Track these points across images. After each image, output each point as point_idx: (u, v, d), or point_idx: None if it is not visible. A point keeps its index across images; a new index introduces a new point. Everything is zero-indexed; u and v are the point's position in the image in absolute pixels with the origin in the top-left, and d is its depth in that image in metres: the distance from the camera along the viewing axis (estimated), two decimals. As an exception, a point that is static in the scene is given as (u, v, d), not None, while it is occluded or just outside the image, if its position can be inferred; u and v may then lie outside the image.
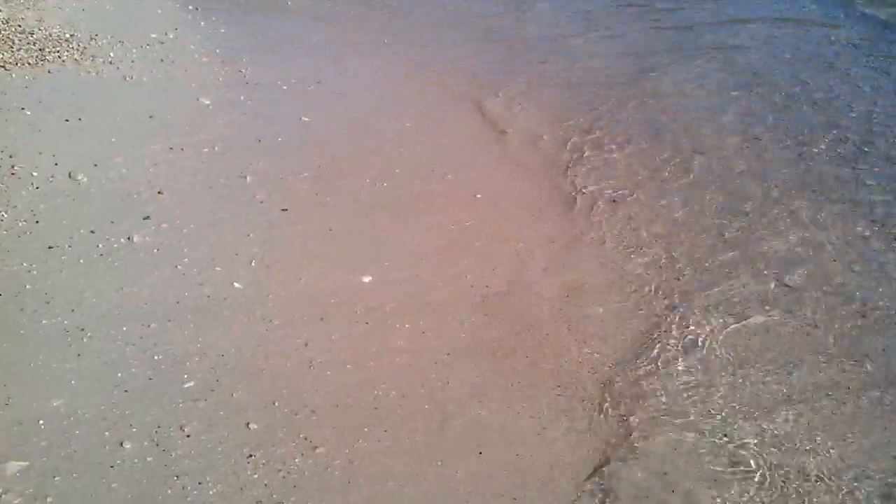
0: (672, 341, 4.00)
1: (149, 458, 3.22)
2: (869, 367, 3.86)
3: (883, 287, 4.37)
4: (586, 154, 5.86)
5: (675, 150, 5.88)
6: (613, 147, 5.96)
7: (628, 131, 6.19)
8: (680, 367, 3.84)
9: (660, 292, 4.35)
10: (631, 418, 3.56)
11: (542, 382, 3.75)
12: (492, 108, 6.59)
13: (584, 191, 5.36)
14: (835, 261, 4.58)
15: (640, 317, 4.18)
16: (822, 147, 5.81)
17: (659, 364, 3.86)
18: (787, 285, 4.39)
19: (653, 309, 4.24)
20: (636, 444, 3.42)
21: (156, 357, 3.71)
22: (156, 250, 4.42)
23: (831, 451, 3.39)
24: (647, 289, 4.38)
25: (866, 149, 5.75)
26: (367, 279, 4.38)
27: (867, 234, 4.82)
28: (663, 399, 3.66)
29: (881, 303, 4.25)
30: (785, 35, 7.98)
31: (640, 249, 4.72)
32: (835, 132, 6.00)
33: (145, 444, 3.28)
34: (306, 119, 6.14)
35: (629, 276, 4.50)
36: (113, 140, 5.46)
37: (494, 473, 3.28)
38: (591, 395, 3.68)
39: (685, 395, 3.69)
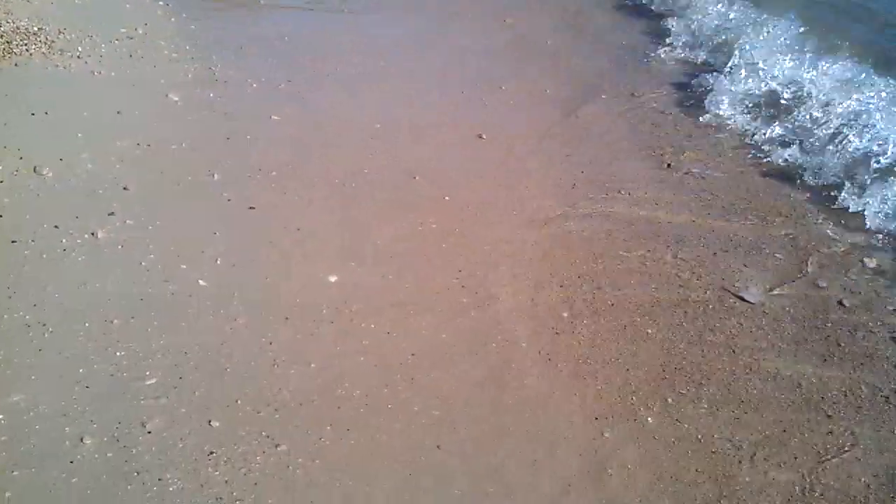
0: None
1: (109, 454, 3.21)
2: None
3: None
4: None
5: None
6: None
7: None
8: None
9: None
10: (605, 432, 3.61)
11: (507, 383, 3.79)
12: (467, 112, 6.63)
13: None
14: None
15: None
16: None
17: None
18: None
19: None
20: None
21: (118, 353, 3.70)
22: (120, 246, 4.40)
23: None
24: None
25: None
26: (333, 279, 4.40)
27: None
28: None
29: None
30: None
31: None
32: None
33: (105, 439, 3.27)
34: (276, 118, 6.13)
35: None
36: (79, 135, 5.42)
37: (456, 470, 3.31)
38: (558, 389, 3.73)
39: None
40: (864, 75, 6.60)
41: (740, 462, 3.43)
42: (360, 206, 5.08)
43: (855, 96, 6.18)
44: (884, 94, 6.17)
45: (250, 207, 4.92)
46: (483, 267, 4.61)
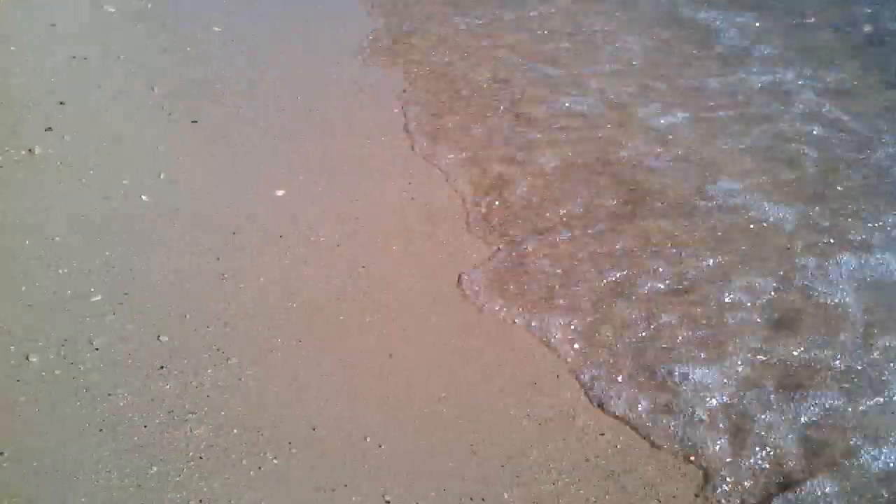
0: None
1: (57, 372, 3.17)
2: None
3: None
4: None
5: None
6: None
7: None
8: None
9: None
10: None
11: (458, 296, 3.81)
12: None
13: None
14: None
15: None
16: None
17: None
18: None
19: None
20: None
21: (61, 271, 3.63)
22: (59, 163, 4.28)
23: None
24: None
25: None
26: (280, 192, 4.34)
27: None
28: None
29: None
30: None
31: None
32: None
33: (52, 357, 3.23)
34: (217, 29, 5.95)
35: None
36: (13, 49, 5.22)
37: (402, 372, 3.34)
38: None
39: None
40: None
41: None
42: (307, 118, 4.98)
43: None
44: None
45: (193, 121, 4.81)
46: (425, 175, 4.58)
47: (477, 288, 3.82)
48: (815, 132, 4.95)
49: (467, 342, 3.53)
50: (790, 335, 3.47)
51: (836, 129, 5.00)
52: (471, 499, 2.84)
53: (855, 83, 5.57)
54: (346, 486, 2.85)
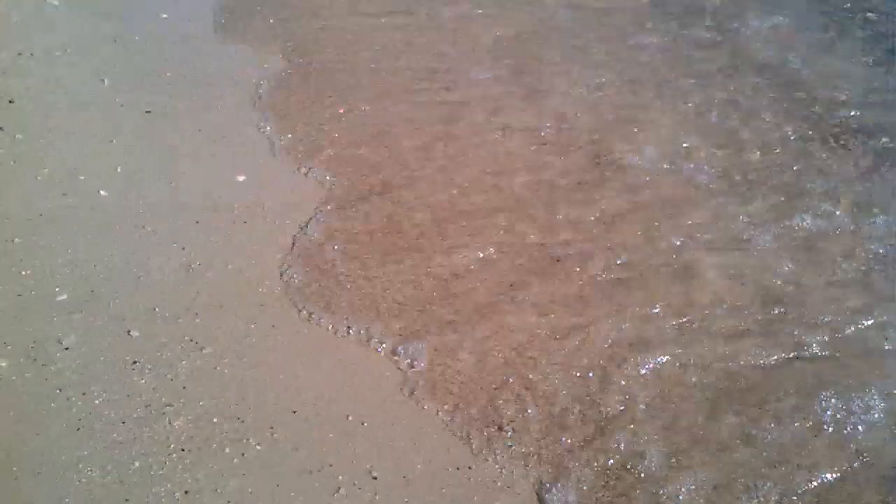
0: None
1: (27, 375, 3.11)
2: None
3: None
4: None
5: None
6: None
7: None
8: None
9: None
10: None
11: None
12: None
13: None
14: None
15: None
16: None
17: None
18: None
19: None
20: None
21: (23, 272, 3.56)
22: (12, 162, 4.18)
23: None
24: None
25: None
26: (241, 178, 4.28)
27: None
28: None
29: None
30: None
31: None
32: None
33: (22, 360, 3.17)
34: (165, 16, 5.83)
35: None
36: (-47, 49, 5.07)
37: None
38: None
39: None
40: None
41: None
42: (262, 104, 4.91)
43: None
44: None
45: (147, 111, 4.71)
46: (391, 161, 4.55)
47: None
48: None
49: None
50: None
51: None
52: (457, 468, 2.86)
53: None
54: (331, 465, 2.85)
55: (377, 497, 2.75)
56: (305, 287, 3.64)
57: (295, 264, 3.75)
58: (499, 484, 2.82)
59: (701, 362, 3.31)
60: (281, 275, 3.69)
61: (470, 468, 2.86)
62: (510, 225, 4.02)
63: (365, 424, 3.01)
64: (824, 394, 3.18)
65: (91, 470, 2.77)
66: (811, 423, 3.07)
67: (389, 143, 4.62)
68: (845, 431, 3.03)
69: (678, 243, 3.93)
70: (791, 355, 3.36)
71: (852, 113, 5.03)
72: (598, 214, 4.10)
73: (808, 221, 4.09)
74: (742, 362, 3.32)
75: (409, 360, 3.29)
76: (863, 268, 3.84)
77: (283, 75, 5.26)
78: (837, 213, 4.16)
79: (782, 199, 4.26)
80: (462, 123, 4.83)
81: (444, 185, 4.28)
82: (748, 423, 3.06)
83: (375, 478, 2.81)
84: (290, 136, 4.64)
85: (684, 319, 3.51)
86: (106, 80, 4.94)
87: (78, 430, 2.91)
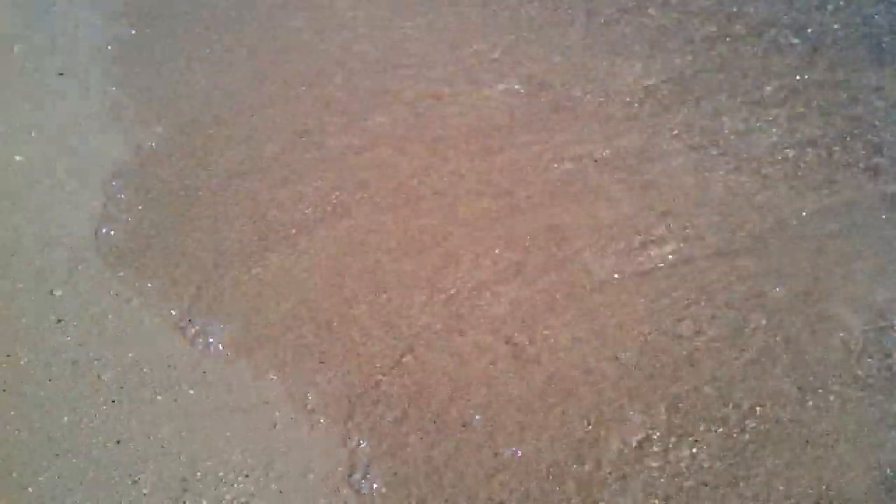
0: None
1: (-52, 342, 3.03)
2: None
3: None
4: None
5: None
6: None
7: None
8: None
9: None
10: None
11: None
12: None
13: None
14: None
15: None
16: None
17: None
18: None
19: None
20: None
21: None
22: None
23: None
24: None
25: None
26: (153, 143, 4.13)
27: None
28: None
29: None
30: None
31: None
32: None
33: (-59, 327, 3.08)
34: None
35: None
36: None
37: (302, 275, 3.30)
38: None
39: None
40: None
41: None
42: (185, 57, 4.77)
43: None
44: None
45: (59, 73, 4.55)
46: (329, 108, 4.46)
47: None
48: None
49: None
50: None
51: None
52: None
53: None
54: (266, 403, 2.81)
55: (313, 432, 2.74)
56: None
57: (212, 221, 3.68)
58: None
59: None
60: (197, 231, 3.61)
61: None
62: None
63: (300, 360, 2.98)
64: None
65: (18, 431, 2.72)
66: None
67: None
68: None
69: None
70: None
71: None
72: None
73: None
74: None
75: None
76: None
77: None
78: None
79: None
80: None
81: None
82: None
83: (312, 410, 2.79)
84: (209, 87, 4.51)
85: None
86: (15, 47, 4.76)
87: (3, 391, 2.84)
